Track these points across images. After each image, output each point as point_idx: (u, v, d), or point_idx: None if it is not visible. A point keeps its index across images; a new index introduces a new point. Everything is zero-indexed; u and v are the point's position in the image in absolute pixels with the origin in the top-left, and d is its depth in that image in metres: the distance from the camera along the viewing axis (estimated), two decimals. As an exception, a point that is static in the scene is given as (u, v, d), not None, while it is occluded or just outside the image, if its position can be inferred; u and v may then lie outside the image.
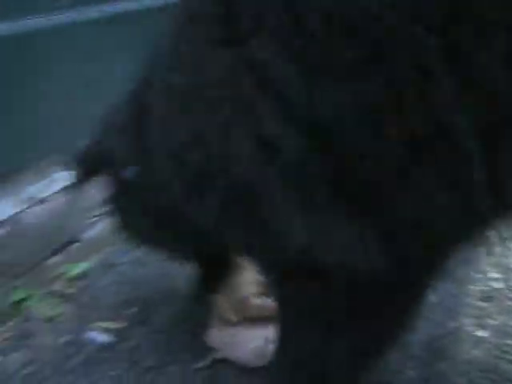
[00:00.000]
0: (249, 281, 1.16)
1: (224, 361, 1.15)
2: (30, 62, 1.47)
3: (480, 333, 1.24)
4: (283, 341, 0.95)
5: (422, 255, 0.77)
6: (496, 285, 1.36)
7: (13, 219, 1.41)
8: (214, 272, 1.20)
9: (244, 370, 1.13)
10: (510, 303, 1.32)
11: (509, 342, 1.22)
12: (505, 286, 1.38)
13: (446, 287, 1.34)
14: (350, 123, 0.70)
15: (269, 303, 1.13)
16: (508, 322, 1.27)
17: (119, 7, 1.66)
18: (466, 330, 1.25)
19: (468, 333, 1.25)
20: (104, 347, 1.23)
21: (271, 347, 1.05)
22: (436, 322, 1.24)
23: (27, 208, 1.45)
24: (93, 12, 1.60)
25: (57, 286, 1.42)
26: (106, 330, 1.27)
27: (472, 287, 1.38)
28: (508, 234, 1.48)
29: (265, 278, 1.02)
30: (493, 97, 0.68)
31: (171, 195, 0.89)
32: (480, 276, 1.42)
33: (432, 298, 1.24)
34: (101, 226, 1.56)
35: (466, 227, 0.77)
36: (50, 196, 1.51)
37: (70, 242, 1.52)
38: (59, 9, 1.50)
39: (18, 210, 1.43)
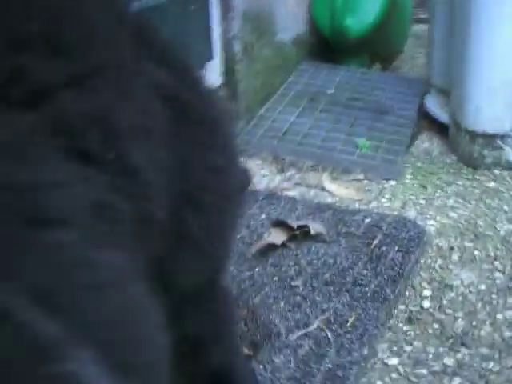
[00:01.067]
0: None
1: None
2: None
3: (391, 361, 1.23)
4: None
5: None
6: (425, 304, 1.38)
7: None
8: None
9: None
10: (435, 326, 1.31)
11: (419, 371, 1.21)
12: (434, 306, 1.37)
13: (366, 307, 1.34)
14: None
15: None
16: (425, 347, 1.26)
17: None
18: (377, 356, 1.24)
19: (379, 360, 1.24)
20: None
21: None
22: (347, 348, 1.23)
23: None
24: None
25: None
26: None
27: (399, 306, 1.38)
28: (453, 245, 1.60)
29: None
30: None
31: None
32: (410, 294, 1.42)
33: (348, 319, 1.29)
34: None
35: None
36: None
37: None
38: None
39: None
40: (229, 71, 2.12)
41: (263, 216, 1.73)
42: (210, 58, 1.99)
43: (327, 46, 2.61)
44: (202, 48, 1.94)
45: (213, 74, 2.06)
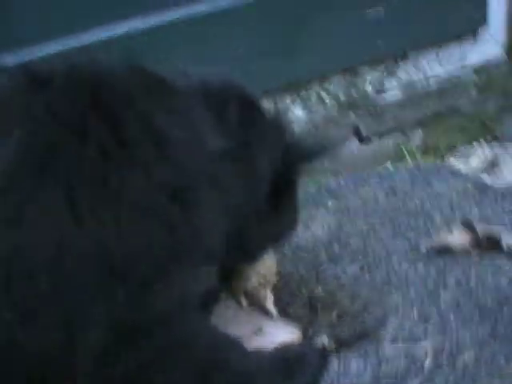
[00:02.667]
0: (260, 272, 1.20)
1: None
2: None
3: None
4: None
5: None
6: None
7: None
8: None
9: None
10: None
11: None
12: None
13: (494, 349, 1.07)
14: None
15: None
16: None
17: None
18: None
19: None
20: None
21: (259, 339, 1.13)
22: None
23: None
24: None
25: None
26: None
27: None
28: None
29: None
30: None
31: None
32: None
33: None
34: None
35: None
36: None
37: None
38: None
39: None
40: (515, 43, 1.80)
41: (472, 210, 1.49)
42: (482, 21, 1.71)
43: None
44: (471, 7, 1.68)
45: (488, 44, 1.78)
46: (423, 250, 1.36)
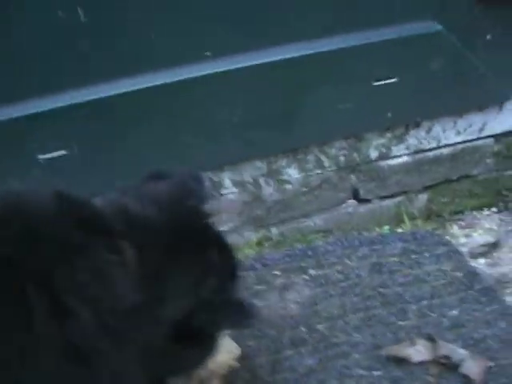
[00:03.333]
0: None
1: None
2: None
3: None
4: None
5: None
6: None
7: None
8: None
9: None
10: None
11: None
12: None
13: None
14: None
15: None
16: None
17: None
18: None
19: None
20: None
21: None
22: None
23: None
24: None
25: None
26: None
27: None
28: None
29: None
30: None
31: None
32: None
33: None
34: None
35: None
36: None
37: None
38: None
39: None
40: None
41: (452, 308, 1.44)
42: (510, 94, 1.59)
43: None
44: (497, 81, 1.56)
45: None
46: (384, 353, 1.37)
